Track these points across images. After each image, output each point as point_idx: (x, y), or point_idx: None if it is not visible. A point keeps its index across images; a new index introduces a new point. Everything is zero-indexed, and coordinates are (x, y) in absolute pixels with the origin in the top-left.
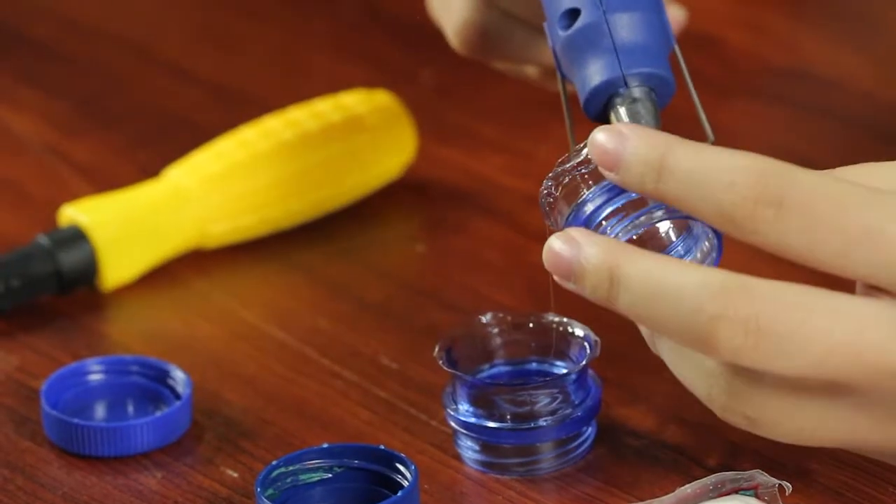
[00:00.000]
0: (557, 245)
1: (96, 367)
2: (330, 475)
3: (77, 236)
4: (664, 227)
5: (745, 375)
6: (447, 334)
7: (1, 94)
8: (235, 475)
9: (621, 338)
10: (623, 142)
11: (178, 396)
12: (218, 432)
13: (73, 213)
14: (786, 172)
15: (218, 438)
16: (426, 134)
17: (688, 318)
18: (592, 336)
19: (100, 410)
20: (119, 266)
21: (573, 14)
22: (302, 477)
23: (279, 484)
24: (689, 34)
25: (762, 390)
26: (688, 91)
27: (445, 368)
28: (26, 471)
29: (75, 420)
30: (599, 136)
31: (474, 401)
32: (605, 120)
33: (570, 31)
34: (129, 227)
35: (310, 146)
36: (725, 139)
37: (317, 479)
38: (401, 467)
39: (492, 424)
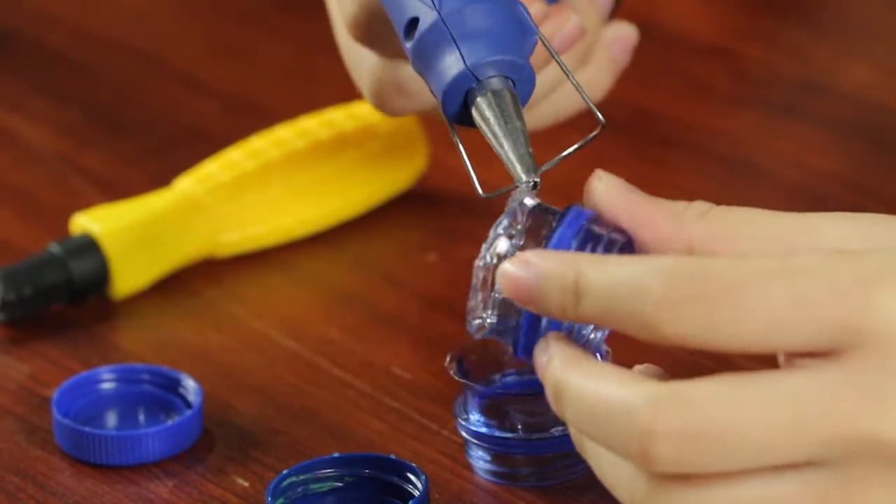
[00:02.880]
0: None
1: (108, 376)
2: (341, 484)
3: (89, 245)
4: None
5: (669, 476)
6: (459, 344)
7: (14, 103)
8: (246, 484)
9: (632, 349)
10: (531, 270)
11: (189, 405)
12: (229, 441)
13: (85, 222)
14: (696, 266)
15: (229, 447)
16: (438, 143)
17: (621, 437)
18: (604, 347)
19: (111, 419)
20: (130, 275)
21: (413, 24)
22: (313, 486)
23: (290, 493)
24: (701, 44)
25: (689, 488)
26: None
27: (457, 378)
28: (37, 479)
29: (86, 428)
30: (508, 268)
31: (486, 411)
32: (468, 120)
33: (413, 42)
34: (141, 236)
35: (322, 156)
36: (737, 151)
37: (328, 488)
38: (412, 477)
39: (503, 434)
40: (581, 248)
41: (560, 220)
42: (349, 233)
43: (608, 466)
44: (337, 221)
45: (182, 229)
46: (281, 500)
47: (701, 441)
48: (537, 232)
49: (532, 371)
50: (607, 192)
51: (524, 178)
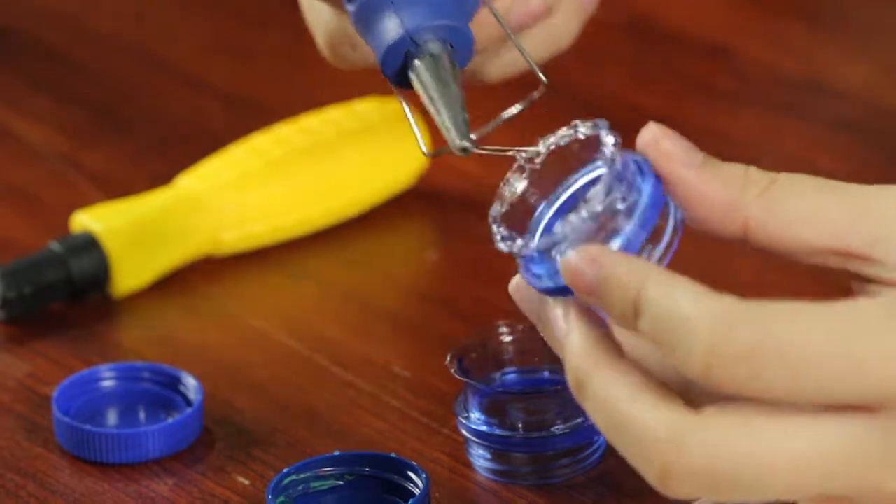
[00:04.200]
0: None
1: (108, 374)
2: (341, 483)
3: (89, 243)
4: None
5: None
6: (459, 343)
7: (14, 101)
8: (247, 483)
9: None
10: (597, 269)
11: (189, 403)
12: (229, 440)
13: (86, 220)
14: (756, 322)
15: (229, 446)
16: (439, 142)
17: (640, 464)
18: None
19: (111, 417)
20: (131, 273)
21: None
22: (313, 485)
23: (290, 492)
24: (702, 43)
25: None
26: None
27: (457, 377)
28: (38, 477)
29: (87, 426)
30: (573, 259)
31: (486, 409)
32: (405, 81)
33: (355, 5)
34: (141, 234)
35: (322, 154)
36: (739, 150)
37: (328, 486)
38: (412, 475)
39: (503, 433)
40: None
41: (643, 181)
42: (349, 231)
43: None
44: (337, 220)
45: (182, 227)
46: (281, 499)
47: (720, 478)
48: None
49: (531, 370)
50: (665, 150)
51: (457, 142)
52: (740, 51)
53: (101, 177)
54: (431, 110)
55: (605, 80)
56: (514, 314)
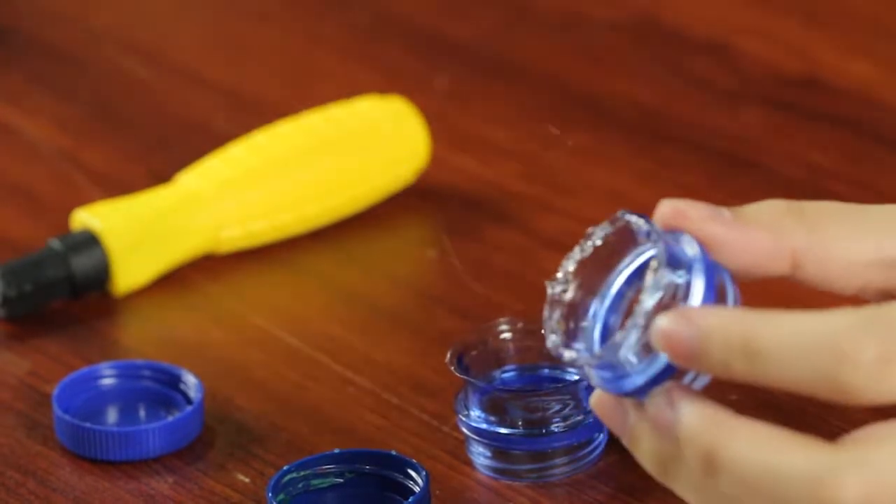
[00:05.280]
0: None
1: (108, 372)
2: (341, 480)
3: (90, 241)
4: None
5: None
6: (459, 340)
7: (14, 98)
8: (247, 480)
9: None
10: (693, 328)
11: (189, 401)
12: (230, 437)
13: (86, 218)
14: (889, 320)
15: (230, 443)
16: (439, 140)
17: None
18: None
19: (112, 415)
20: (131, 271)
21: None
22: (313, 482)
23: (290, 489)
24: (701, 40)
25: None
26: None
27: (457, 374)
28: (38, 475)
29: (87, 424)
30: (665, 324)
31: (486, 407)
32: None
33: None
34: (142, 231)
35: (323, 152)
36: (739, 148)
37: (328, 484)
38: (412, 473)
39: (504, 430)
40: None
41: (689, 270)
42: (350, 229)
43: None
44: (338, 218)
45: (183, 225)
46: (282, 497)
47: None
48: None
49: (531, 368)
50: (695, 218)
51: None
52: (739, 48)
53: (101, 174)
54: None
55: (606, 77)
56: (514, 312)
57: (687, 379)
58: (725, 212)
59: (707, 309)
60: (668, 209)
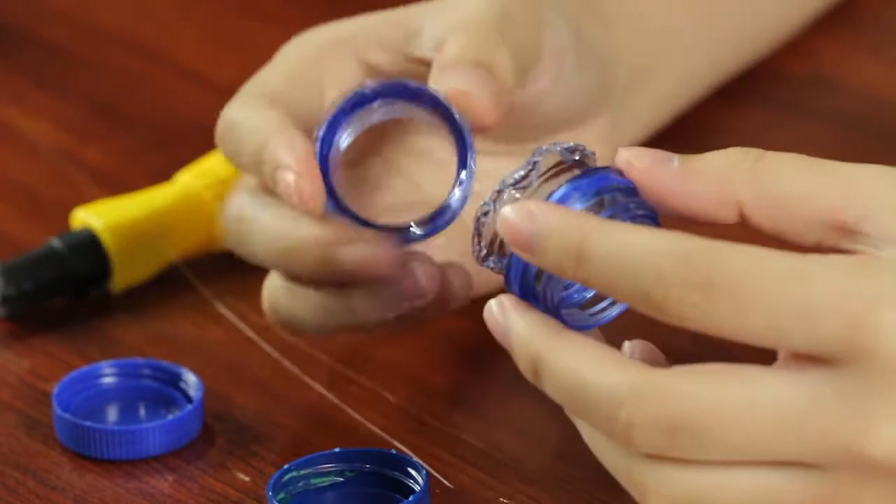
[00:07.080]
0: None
1: (108, 371)
2: (341, 479)
3: (89, 240)
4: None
5: (656, 456)
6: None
7: (14, 97)
8: (247, 479)
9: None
10: (535, 223)
11: (189, 400)
12: (229, 436)
13: (86, 217)
14: (712, 254)
15: (229, 442)
16: None
17: (604, 424)
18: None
19: (111, 413)
20: (131, 269)
21: None
22: (313, 481)
23: (290, 488)
24: None
25: (678, 468)
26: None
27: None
28: (38, 474)
29: (87, 423)
30: (508, 214)
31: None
32: None
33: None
34: (142, 230)
35: None
36: (737, 146)
37: (328, 483)
38: (412, 471)
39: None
40: (592, 210)
41: (583, 174)
42: None
43: (596, 440)
44: None
45: (183, 224)
46: (282, 495)
47: (680, 435)
48: (554, 180)
49: None
50: (640, 167)
51: None
52: None
53: (101, 173)
54: None
55: None
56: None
57: (602, 304)
58: (675, 159)
59: (553, 207)
60: (620, 160)
